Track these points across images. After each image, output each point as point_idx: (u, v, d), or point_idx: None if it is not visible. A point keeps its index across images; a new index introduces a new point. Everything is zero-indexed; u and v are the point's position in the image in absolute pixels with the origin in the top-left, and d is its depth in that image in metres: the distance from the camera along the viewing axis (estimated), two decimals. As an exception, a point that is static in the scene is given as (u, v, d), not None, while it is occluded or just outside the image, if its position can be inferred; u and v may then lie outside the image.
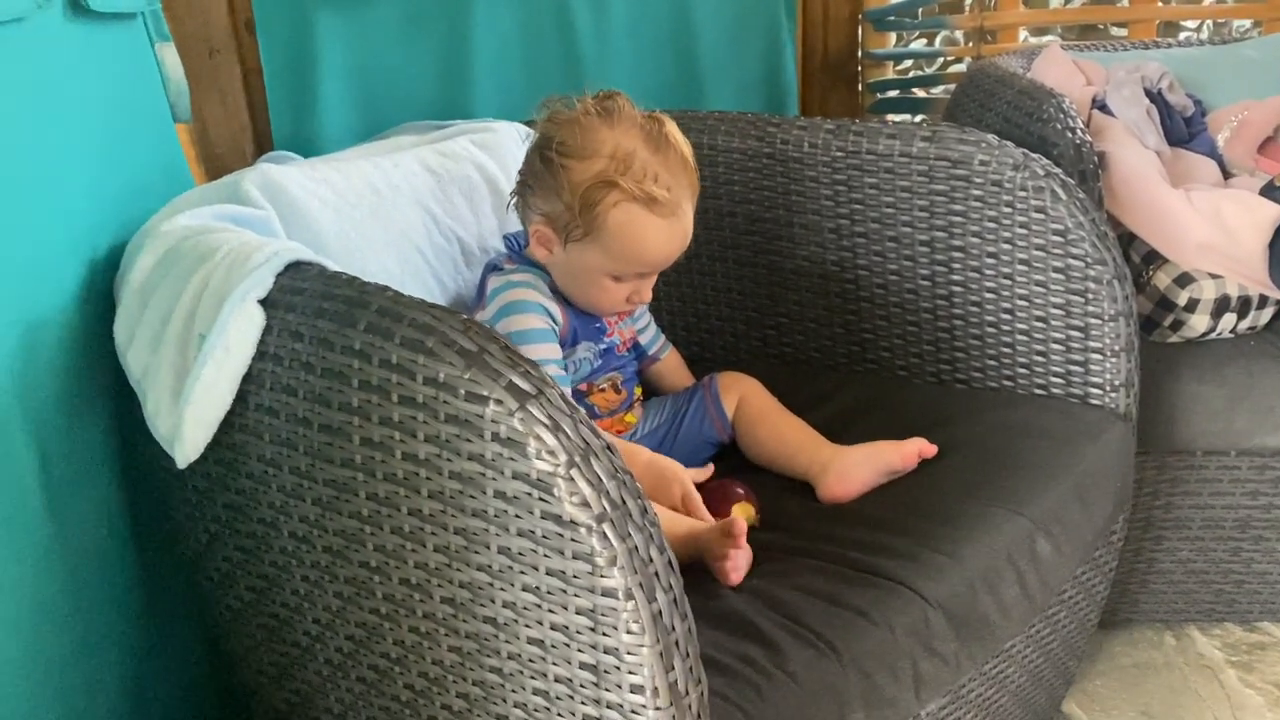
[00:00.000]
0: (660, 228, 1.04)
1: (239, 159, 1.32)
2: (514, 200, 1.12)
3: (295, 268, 0.85)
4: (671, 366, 1.26)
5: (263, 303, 0.83)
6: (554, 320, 1.08)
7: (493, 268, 1.13)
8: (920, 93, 2.10)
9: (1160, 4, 2.05)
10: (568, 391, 1.06)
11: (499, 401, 0.69)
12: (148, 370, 0.89)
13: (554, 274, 1.10)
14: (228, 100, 1.32)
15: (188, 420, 0.85)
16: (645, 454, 1.03)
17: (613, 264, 1.06)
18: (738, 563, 0.90)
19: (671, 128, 1.07)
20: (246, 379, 0.84)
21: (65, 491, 0.91)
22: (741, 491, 1.03)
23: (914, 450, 1.05)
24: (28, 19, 0.88)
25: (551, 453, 0.68)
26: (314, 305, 0.79)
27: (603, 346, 1.14)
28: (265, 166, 1.06)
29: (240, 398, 0.85)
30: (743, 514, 1.01)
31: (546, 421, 0.69)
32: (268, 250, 0.85)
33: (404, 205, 1.15)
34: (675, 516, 0.96)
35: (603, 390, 1.14)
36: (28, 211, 0.87)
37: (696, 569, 0.93)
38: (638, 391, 1.19)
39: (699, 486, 1.02)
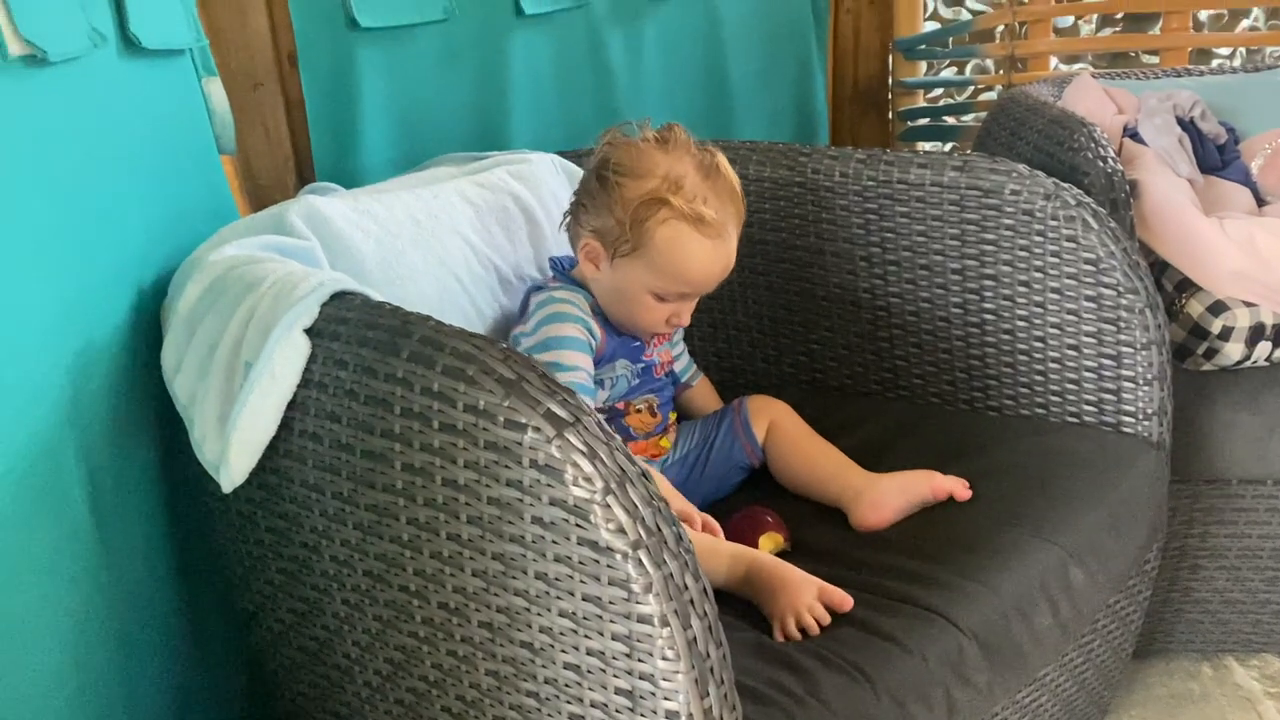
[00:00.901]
0: (706, 248, 1.08)
1: (281, 190, 1.35)
2: (565, 221, 1.17)
3: (340, 297, 0.87)
4: (702, 393, 1.29)
5: (308, 331, 0.85)
6: (591, 334, 1.11)
7: (536, 287, 1.18)
8: (951, 121, 2.11)
9: (1192, 31, 2.06)
10: (590, 402, 1.08)
11: (537, 429, 0.70)
12: (194, 397, 0.92)
13: (598, 292, 1.14)
14: (271, 132, 1.35)
15: (233, 446, 0.87)
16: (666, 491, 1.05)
17: (657, 281, 1.09)
18: (795, 634, 0.89)
19: (723, 160, 1.12)
20: (291, 406, 0.86)
21: (112, 514, 0.93)
22: (770, 520, 1.04)
23: (948, 487, 1.05)
24: (84, 57, 0.91)
25: (588, 479, 0.69)
26: (358, 334, 0.81)
27: (640, 365, 1.16)
28: (310, 198, 1.09)
29: (285, 424, 0.87)
30: (770, 543, 1.02)
31: (583, 449, 0.70)
32: (313, 281, 0.87)
33: (443, 235, 1.18)
34: (716, 542, 0.97)
35: (639, 411, 1.15)
36: (80, 242, 0.90)
37: (729, 594, 0.94)
38: (673, 416, 1.20)
39: (728, 513, 1.03)
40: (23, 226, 0.83)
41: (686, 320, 1.14)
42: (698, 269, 1.09)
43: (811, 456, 1.14)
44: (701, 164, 1.10)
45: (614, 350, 1.14)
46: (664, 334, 1.18)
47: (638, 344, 1.16)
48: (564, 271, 1.18)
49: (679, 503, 1.03)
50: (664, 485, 1.05)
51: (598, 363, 1.12)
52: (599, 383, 1.13)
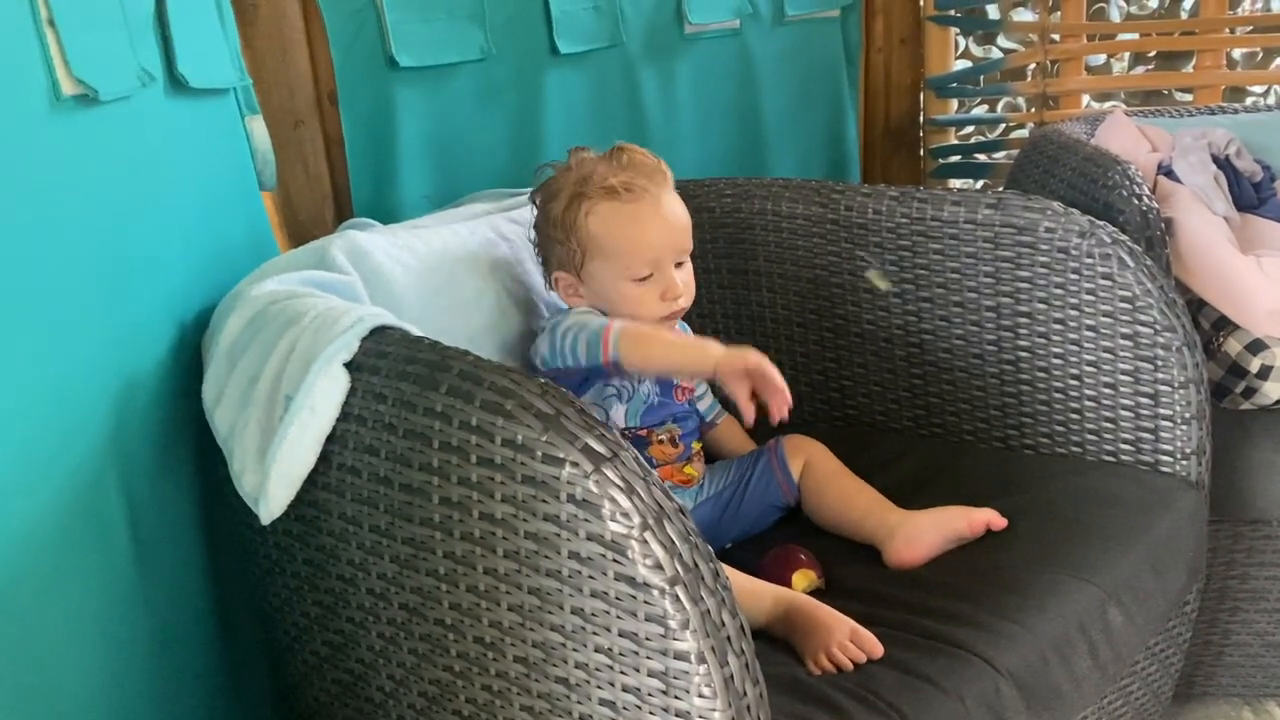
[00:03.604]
0: (635, 213, 1.10)
1: (320, 226, 1.37)
2: (545, 277, 1.20)
3: (380, 332, 0.88)
4: (727, 433, 1.28)
5: (348, 366, 0.86)
6: None
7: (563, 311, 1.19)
8: (982, 158, 2.12)
9: (1226, 69, 2.05)
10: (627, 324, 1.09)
11: (575, 464, 0.71)
12: (234, 429, 0.93)
13: (597, 309, 1.14)
14: (310, 169, 1.37)
15: (273, 478, 0.88)
16: (719, 348, 1.04)
17: (620, 265, 1.11)
18: (832, 670, 0.89)
19: (631, 147, 1.15)
20: (330, 439, 0.87)
21: (152, 544, 0.94)
22: (804, 557, 1.04)
23: (983, 520, 1.05)
24: (133, 97, 0.93)
25: (625, 515, 0.70)
26: (397, 368, 0.82)
27: (659, 385, 1.16)
28: (351, 234, 1.11)
29: (323, 457, 0.87)
30: (804, 580, 1.01)
31: (621, 484, 0.70)
32: (353, 315, 0.88)
33: (479, 270, 1.19)
34: (759, 583, 0.97)
35: (661, 442, 1.16)
36: (125, 277, 0.92)
37: (765, 633, 0.93)
38: (696, 446, 1.20)
39: (762, 551, 1.02)
40: (70, 261, 0.85)
41: (680, 288, 1.13)
42: (641, 236, 1.10)
43: (846, 494, 1.13)
44: (606, 158, 1.14)
45: None
46: (671, 318, 1.15)
47: None
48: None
49: None
50: None
51: (622, 388, 1.13)
52: (618, 393, 1.14)
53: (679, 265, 1.14)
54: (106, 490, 0.89)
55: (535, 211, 1.18)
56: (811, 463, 1.17)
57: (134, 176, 0.94)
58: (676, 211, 1.14)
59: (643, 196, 1.11)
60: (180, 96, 1.04)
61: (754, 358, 1.00)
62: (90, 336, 0.87)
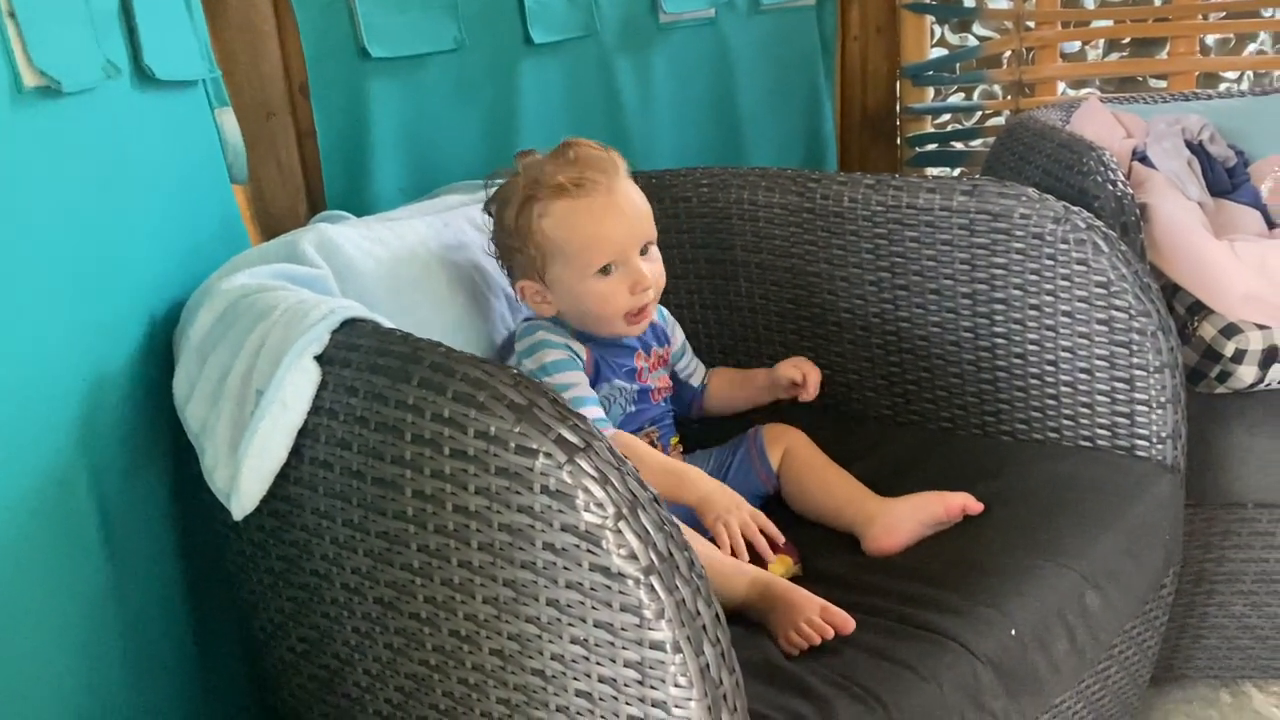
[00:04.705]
0: (588, 207, 1.08)
1: (293, 219, 1.36)
2: (513, 286, 1.18)
3: (350, 325, 0.87)
4: (722, 382, 1.28)
5: (319, 359, 0.86)
6: (575, 355, 1.11)
7: (528, 318, 1.18)
8: (959, 146, 2.12)
9: (1200, 55, 2.06)
10: (598, 411, 1.08)
11: (548, 455, 0.70)
12: (206, 425, 0.92)
13: (567, 317, 1.14)
14: (283, 162, 1.36)
15: (244, 473, 0.87)
16: (702, 486, 1.03)
17: (580, 263, 1.09)
18: (804, 646, 0.89)
19: (578, 141, 1.12)
20: (302, 433, 0.86)
21: (124, 542, 0.93)
22: (781, 544, 1.03)
23: (959, 503, 1.05)
24: (98, 88, 0.92)
25: (600, 505, 0.69)
26: (368, 361, 0.82)
27: (636, 388, 1.15)
28: (322, 226, 1.10)
29: (295, 451, 0.87)
30: (781, 567, 1.01)
31: (595, 474, 0.70)
32: (324, 308, 0.88)
33: (454, 262, 1.18)
34: (736, 563, 0.97)
35: None
36: (94, 271, 0.91)
37: (742, 620, 0.93)
38: (674, 441, 1.20)
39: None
40: (36, 256, 0.83)
41: (647, 279, 1.10)
42: (597, 229, 1.08)
43: (825, 483, 1.13)
44: (552, 156, 1.12)
45: (602, 369, 1.14)
46: (641, 312, 1.12)
47: (629, 366, 1.16)
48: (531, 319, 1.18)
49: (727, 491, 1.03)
50: (702, 480, 1.04)
51: (590, 383, 1.12)
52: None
53: (644, 254, 1.12)
54: (76, 488, 0.88)
55: (490, 223, 1.16)
56: (791, 451, 1.16)
57: (101, 169, 0.93)
58: (633, 199, 1.11)
59: (594, 189, 1.08)
60: (148, 89, 1.02)
61: (744, 515, 0.99)
62: (57, 332, 0.86)
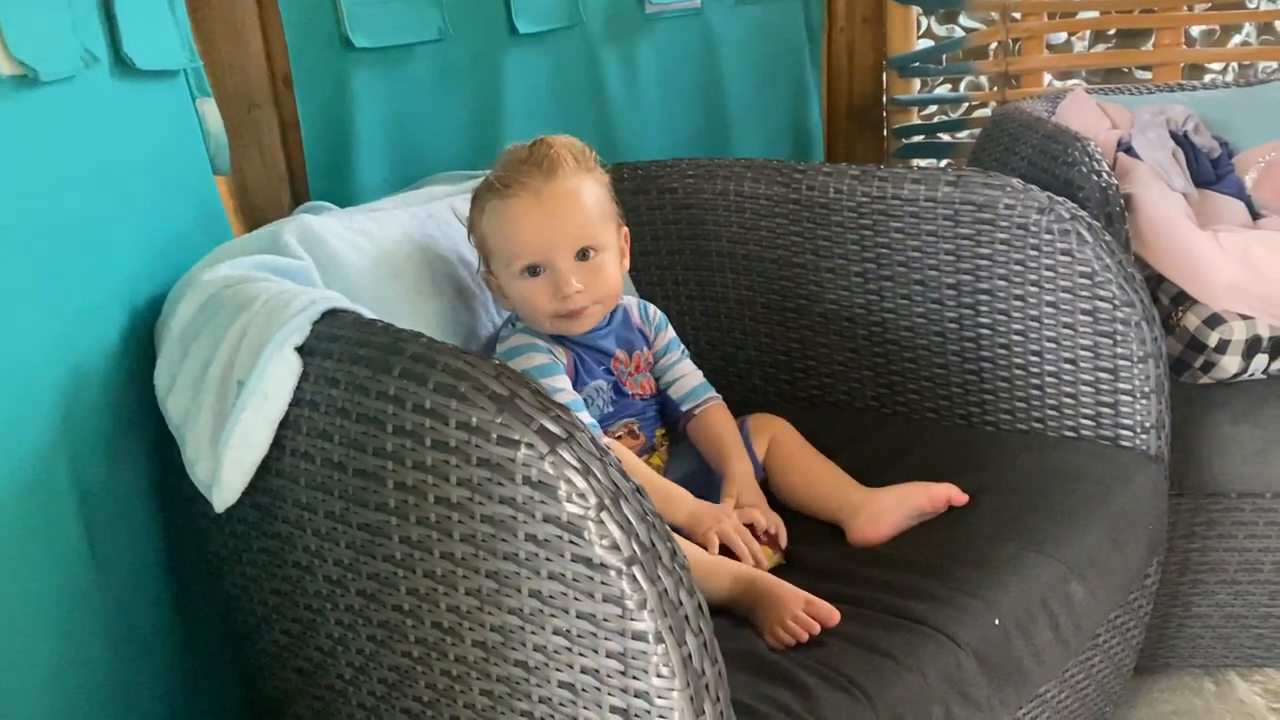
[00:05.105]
0: (513, 209, 1.08)
1: (276, 210, 1.35)
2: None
3: (332, 315, 0.87)
4: (711, 425, 1.17)
5: (300, 350, 0.85)
6: (557, 357, 1.11)
7: (506, 321, 1.18)
8: (945, 137, 2.12)
9: (1185, 46, 2.06)
10: (586, 416, 1.08)
11: (530, 445, 0.70)
12: (187, 416, 0.91)
13: (516, 312, 1.14)
14: (266, 153, 1.35)
15: (226, 465, 0.87)
16: (688, 502, 1.04)
17: (504, 262, 1.10)
18: (790, 641, 0.89)
19: (551, 139, 1.11)
20: (283, 425, 0.85)
21: (106, 535, 0.93)
22: (776, 534, 1.04)
23: (944, 494, 1.05)
24: (76, 77, 0.91)
25: (582, 496, 0.69)
26: (350, 352, 0.81)
27: (612, 384, 1.15)
28: (304, 217, 1.09)
29: (277, 443, 0.86)
30: (765, 556, 1.01)
31: (577, 465, 0.70)
32: (305, 299, 0.87)
33: (438, 253, 1.18)
34: (720, 560, 0.97)
35: (619, 437, 1.15)
36: (74, 262, 0.90)
37: (727, 612, 0.93)
38: (659, 433, 1.19)
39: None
40: (13, 247, 0.83)
41: (569, 286, 1.07)
42: (517, 229, 1.08)
43: (810, 473, 1.13)
44: (519, 149, 1.11)
45: (580, 371, 1.13)
46: (573, 315, 1.10)
47: (605, 368, 1.15)
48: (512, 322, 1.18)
49: (706, 506, 1.03)
50: (685, 501, 1.05)
51: (573, 385, 1.11)
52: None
53: (584, 259, 1.09)
54: (56, 482, 0.87)
55: None
56: (776, 441, 1.16)
57: (80, 160, 0.92)
58: (568, 203, 1.07)
59: (522, 190, 1.07)
60: (127, 78, 1.01)
61: (725, 529, 0.99)
62: (36, 324, 0.85)
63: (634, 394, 1.17)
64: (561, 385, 1.09)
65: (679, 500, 1.04)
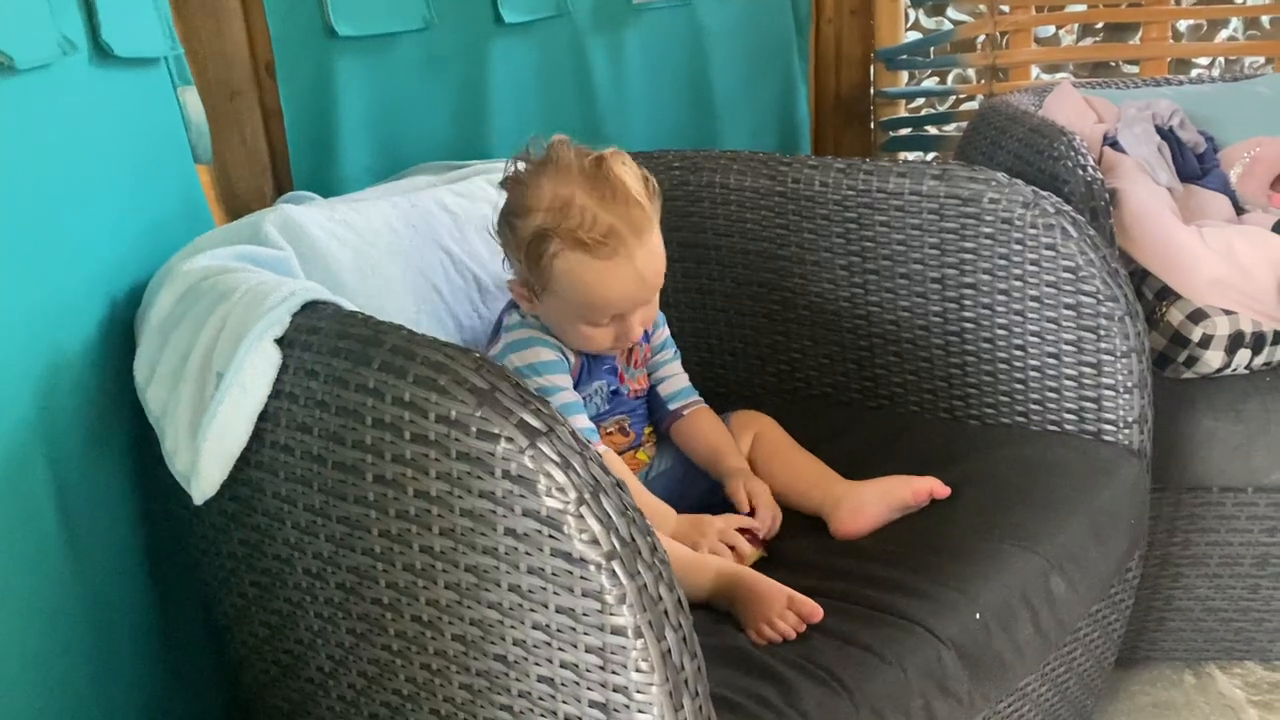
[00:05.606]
0: (605, 270, 1.01)
1: (259, 199, 1.34)
2: (504, 261, 1.12)
3: (311, 307, 0.86)
4: (699, 427, 1.16)
5: (279, 342, 0.84)
6: (565, 355, 1.09)
7: (512, 305, 1.14)
8: (933, 130, 2.12)
9: (1171, 41, 2.07)
10: (584, 420, 1.07)
11: (510, 439, 0.70)
12: (166, 408, 0.91)
13: (546, 323, 1.09)
14: (248, 142, 1.34)
15: (204, 457, 0.86)
16: (673, 519, 1.04)
17: (577, 312, 1.04)
18: (775, 639, 0.89)
19: (614, 163, 1.03)
20: (263, 417, 0.85)
21: (84, 527, 0.92)
22: (759, 533, 1.04)
23: (926, 487, 1.05)
24: (54, 65, 0.90)
25: (561, 490, 0.69)
26: (329, 344, 0.81)
27: (612, 389, 1.14)
28: (285, 207, 1.08)
29: (256, 435, 0.86)
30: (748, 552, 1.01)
31: (556, 459, 0.69)
32: (284, 290, 0.86)
33: (422, 245, 1.17)
34: (701, 557, 0.97)
35: (610, 434, 1.14)
36: (52, 251, 0.89)
37: (709, 607, 0.93)
38: (647, 431, 1.19)
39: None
40: (-11, 236, 0.82)
41: (636, 334, 1.07)
42: (604, 293, 1.02)
43: (793, 467, 1.13)
44: (589, 178, 1.02)
45: (588, 372, 1.11)
46: (626, 349, 1.11)
47: (609, 367, 1.13)
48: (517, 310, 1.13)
49: (692, 517, 1.03)
50: (670, 516, 1.04)
51: (575, 384, 1.10)
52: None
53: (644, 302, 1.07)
54: (33, 474, 0.86)
55: (502, 204, 1.08)
56: (760, 437, 1.16)
57: (57, 148, 0.91)
58: (653, 259, 1.04)
59: (617, 251, 1.00)
60: (106, 66, 1.00)
61: (714, 545, 0.98)
62: (12, 314, 0.84)
63: (629, 391, 1.16)
64: (564, 384, 1.07)
65: (664, 518, 1.03)
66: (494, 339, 1.13)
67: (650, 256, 1.04)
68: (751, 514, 1.06)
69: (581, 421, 1.06)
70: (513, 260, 1.08)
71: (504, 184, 1.08)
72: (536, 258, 1.03)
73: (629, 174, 1.04)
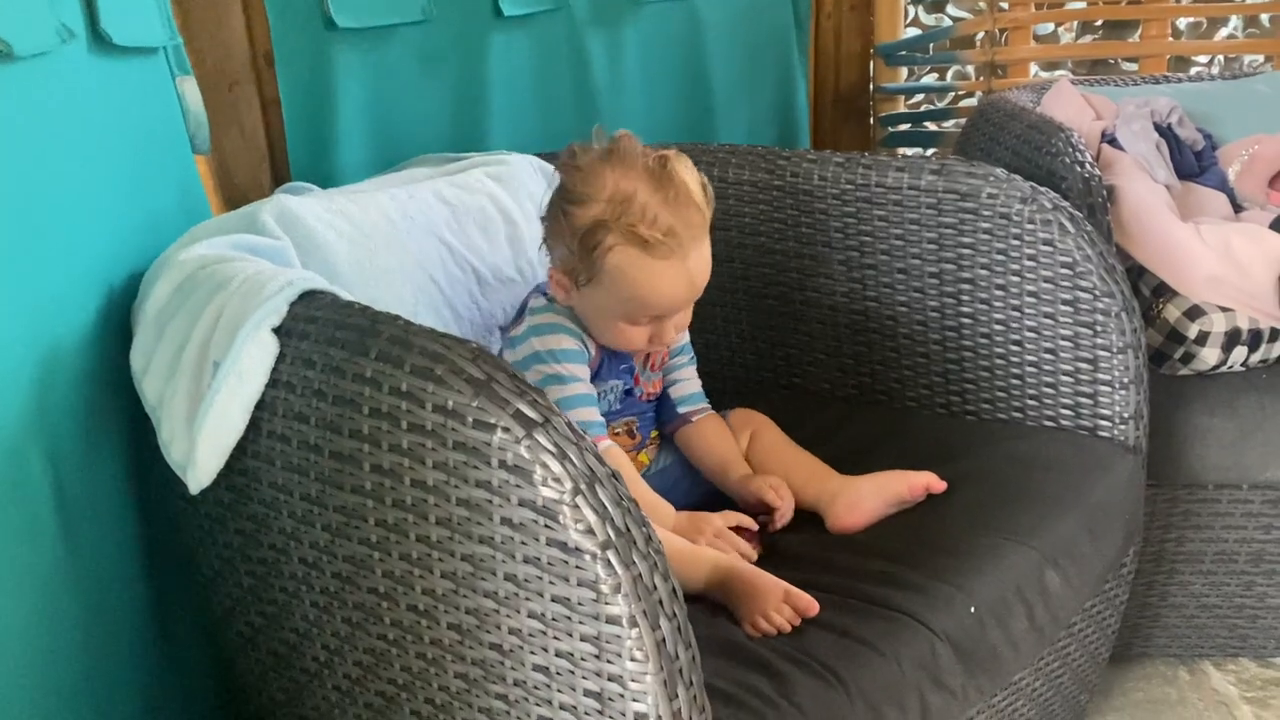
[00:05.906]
0: (659, 270, 1.01)
1: (257, 190, 1.34)
2: (542, 246, 1.11)
3: (309, 297, 0.86)
4: (702, 443, 1.15)
5: (276, 331, 0.84)
6: (587, 349, 1.08)
7: (539, 291, 1.13)
8: (932, 126, 2.12)
9: (1171, 39, 2.07)
10: (596, 413, 1.06)
11: (506, 429, 0.70)
12: (163, 397, 0.91)
13: (578, 315, 1.09)
14: (246, 132, 1.34)
15: (201, 446, 0.86)
16: (672, 515, 1.04)
17: (621, 308, 1.04)
18: (770, 632, 0.89)
19: (678, 165, 1.03)
20: (259, 406, 0.85)
21: (80, 517, 0.92)
22: (753, 529, 1.04)
23: (922, 482, 1.05)
24: (52, 53, 0.90)
25: (557, 480, 0.69)
26: (326, 334, 0.81)
27: (626, 389, 1.14)
28: (282, 197, 1.08)
29: (253, 424, 0.86)
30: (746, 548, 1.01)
31: (552, 449, 0.69)
32: (281, 279, 0.86)
33: (419, 236, 1.17)
34: (697, 549, 0.97)
35: (617, 434, 1.14)
36: (49, 241, 0.89)
37: (705, 599, 0.93)
38: (653, 434, 1.18)
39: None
40: (-15, 225, 0.82)
41: (671, 338, 1.07)
42: (655, 293, 1.02)
43: (789, 463, 1.13)
44: (652, 175, 1.01)
45: (602, 369, 1.11)
46: (654, 351, 1.12)
47: (627, 365, 1.13)
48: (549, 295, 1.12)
49: (691, 515, 1.03)
50: (669, 516, 1.04)
51: (591, 380, 1.09)
52: None
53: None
54: (29, 464, 0.86)
55: (557, 186, 1.06)
56: (757, 435, 1.16)
57: (55, 137, 0.91)
58: (702, 267, 1.04)
59: (674, 252, 1.00)
60: (105, 55, 1.00)
61: (708, 539, 0.98)
62: (8, 304, 0.84)
63: (642, 394, 1.15)
64: (581, 375, 1.06)
65: (663, 518, 1.03)
66: (517, 320, 1.12)
67: (702, 261, 1.04)
68: (770, 513, 1.06)
69: (594, 414, 1.06)
70: (557, 246, 1.06)
71: (560, 168, 1.06)
72: (590, 248, 1.02)
73: (690, 177, 1.04)
